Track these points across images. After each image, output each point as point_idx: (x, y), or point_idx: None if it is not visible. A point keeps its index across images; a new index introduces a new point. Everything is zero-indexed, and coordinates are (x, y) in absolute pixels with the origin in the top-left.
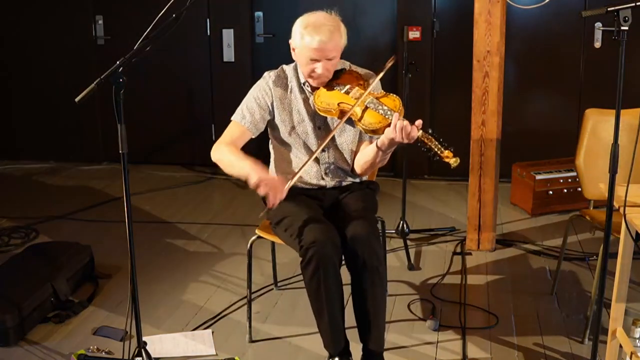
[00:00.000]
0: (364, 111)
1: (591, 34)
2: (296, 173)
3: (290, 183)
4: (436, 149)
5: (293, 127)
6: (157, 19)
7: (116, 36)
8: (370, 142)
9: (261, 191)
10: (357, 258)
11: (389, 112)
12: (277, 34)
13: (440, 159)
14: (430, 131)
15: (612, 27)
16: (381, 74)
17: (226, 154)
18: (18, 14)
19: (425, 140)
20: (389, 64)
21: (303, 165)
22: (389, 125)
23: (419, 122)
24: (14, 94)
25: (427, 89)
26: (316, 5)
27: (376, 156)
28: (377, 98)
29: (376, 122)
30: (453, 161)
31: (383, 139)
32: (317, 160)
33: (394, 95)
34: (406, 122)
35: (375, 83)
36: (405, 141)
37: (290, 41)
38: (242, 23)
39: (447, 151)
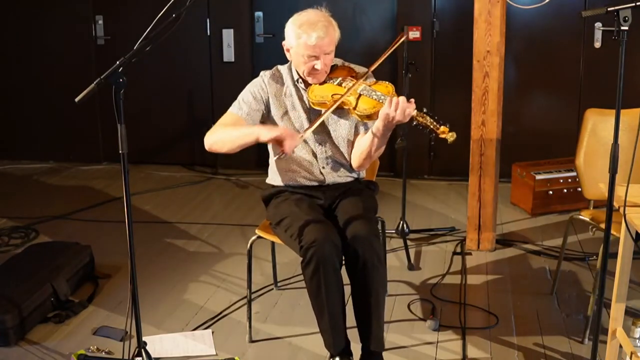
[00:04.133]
0: (357, 98)
1: (591, 34)
2: (307, 129)
3: (304, 135)
4: (432, 126)
5: (290, 124)
6: (157, 19)
7: (116, 36)
8: (366, 132)
9: (280, 137)
10: (357, 258)
11: (382, 97)
12: (277, 34)
13: (436, 136)
14: (424, 110)
15: (612, 27)
16: (392, 48)
17: (225, 131)
18: (18, 14)
19: (420, 119)
20: (399, 40)
21: (309, 128)
22: (383, 108)
23: (411, 100)
24: (14, 94)
25: (427, 89)
26: (317, 5)
27: (372, 144)
28: (369, 85)
29: (370, 107)
30: (449, 136)
31: (378, 123)
32: (314, 155)
33: (387, 82)
34: (402, 98)
35: (369, 76)
36: (400, 118)
37: (283, 43)
38: (242, 23)
39: (442, 127)
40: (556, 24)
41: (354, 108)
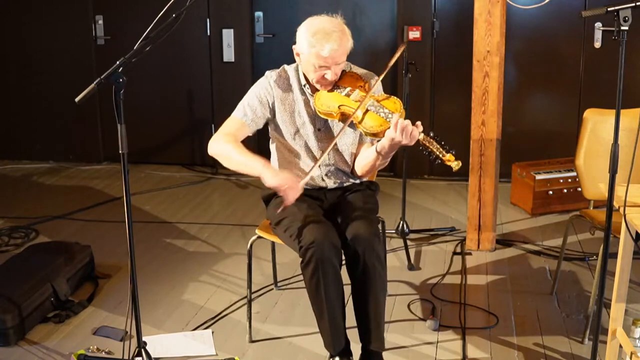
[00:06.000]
0: (364, 114)
1: (591, 34)
2: (308, 173)
3: (304, 181)
4: (437, 152)
5: (295, 128)
6: (157, 19)
7: (116, 36)
8: (372, 145)
9: (280, 192)
10: (358, 258)
11: (390, 115)
12: (277, 34)
13: (442, 162)
14: (431, 134)
15: (612, 27)
16: (393, 60)
17: (230, 150)
18: (18, 14)
19: (427, 144)
20: (399, 51)
21: (313, 167)
22: (389, 128)
23: (418, 123)
24: (14, 94)
25: (427, 89)
26: (316, 6)
27: (376, 160)
28: (378, 101)
29: (377, 125)
30: (455, 164)
31: (383, 142)
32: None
33: (395, 98)
34: (408, 122)
35: (377, 85)
36: (406, 142)
37: (294, 46)
38: (242, 23)
39: (448, 154)
40: (556, 24)
41: (361, 123)
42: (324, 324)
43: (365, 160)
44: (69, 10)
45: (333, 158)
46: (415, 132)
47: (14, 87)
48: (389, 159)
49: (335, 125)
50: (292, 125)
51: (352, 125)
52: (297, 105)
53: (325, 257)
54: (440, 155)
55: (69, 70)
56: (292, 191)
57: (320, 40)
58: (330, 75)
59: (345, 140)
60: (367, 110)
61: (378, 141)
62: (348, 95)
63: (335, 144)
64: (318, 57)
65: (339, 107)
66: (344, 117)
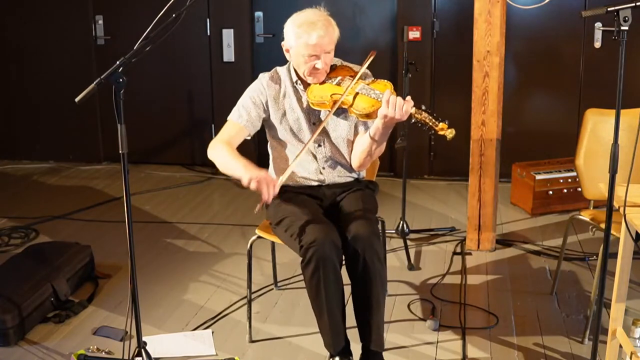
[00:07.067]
0: (355, 97)
1: (591, 34)
2: (289, 167)
3: (283, 177)
4: (430, 123)
5: (288, 126)
6: (157, 18)
7: (116, 36)
8: (366, 131)
9: (253, 187)
10: (358, 258)
11: (380, 96)
12: (277, 34)
13: (435, 133)
14: (423, 107)
15: (612, 27)
16: (362, 69)
17: (222, 154)
18: (18, 14)
19: (419, 116)
20: (369, 59)
21: (295, 158)
22: (381, 107)
23: (408, 97)
24: (14, 94)
25: (427, 89)
26: (316, 5)
27: (372, 143)
28: (368, 84)
29: (369, 106)
30: (449, 132)
31: (377, 122)
32: (314, 156)
33: (385, 81)
34: (399, 97)
35: (365, 71)
36: (399, 117)
37: (282, 43)
38: (242, 23)
39: (441, 124)
40: (556, 24)
41: (352, 106)
42: (324, 324)
43: (361, 148)
44: (69, 10)
45: (329, 151)
46: (407, 106)
47: (14, 87)
48: (383, 145)
49: (330, 117)
50: (284, 121)
51: (345, 114)
52: (290, 102)
53: (326, 256)
54: (434, 126)
55: (69, 70)
56: (266, 187)
57: (306, 30)
58: (321, 65)
59: (340, 132)
60: (357, 94)
61: (371, 123)
62: (339, 84)
63: (330, 137)
64: (307, 47)
65: (330, 95)
66: (335, 105)
